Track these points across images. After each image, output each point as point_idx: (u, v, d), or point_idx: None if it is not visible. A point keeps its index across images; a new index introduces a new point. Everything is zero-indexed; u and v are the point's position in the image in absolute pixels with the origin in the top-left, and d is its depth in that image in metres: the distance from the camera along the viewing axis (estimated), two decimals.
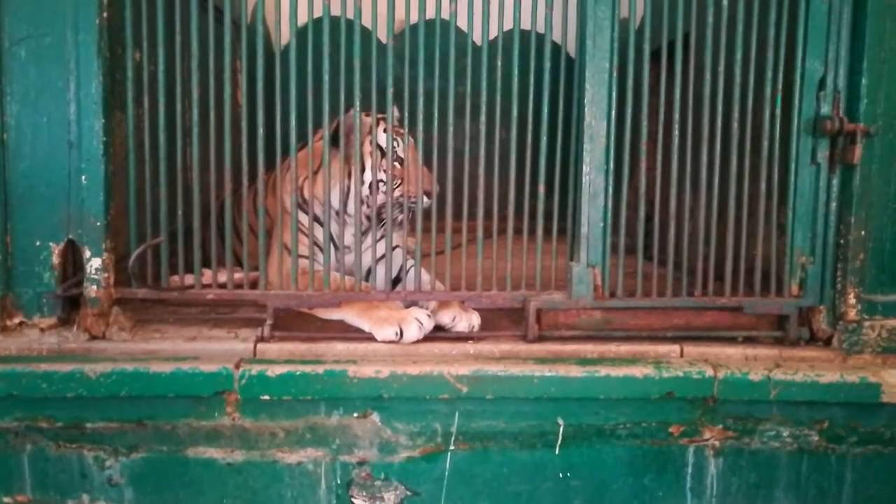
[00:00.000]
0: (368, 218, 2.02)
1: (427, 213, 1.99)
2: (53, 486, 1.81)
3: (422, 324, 1.86)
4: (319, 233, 2.16)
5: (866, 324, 1.91)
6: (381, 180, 2.18)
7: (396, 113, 2.25)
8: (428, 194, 2.13)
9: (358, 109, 1.88)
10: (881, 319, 1.91)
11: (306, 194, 2.17)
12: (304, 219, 2.14)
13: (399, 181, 2.17)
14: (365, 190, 2.09)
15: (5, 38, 1.76)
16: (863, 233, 1.88)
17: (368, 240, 2.20)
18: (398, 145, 2.19)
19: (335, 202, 2.15)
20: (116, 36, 1.83)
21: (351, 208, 2.09)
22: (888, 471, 1.88)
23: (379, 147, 2.20)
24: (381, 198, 2.16)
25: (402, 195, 2.16)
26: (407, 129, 1.96)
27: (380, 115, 2.18)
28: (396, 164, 2.19)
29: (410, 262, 2.27)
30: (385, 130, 2.14)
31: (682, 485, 1.88)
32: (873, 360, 1.90)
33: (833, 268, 1.92)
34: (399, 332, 1.85)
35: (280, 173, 2.16)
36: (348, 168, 2.09)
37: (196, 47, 1.82)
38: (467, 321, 1.94)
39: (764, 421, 1.85)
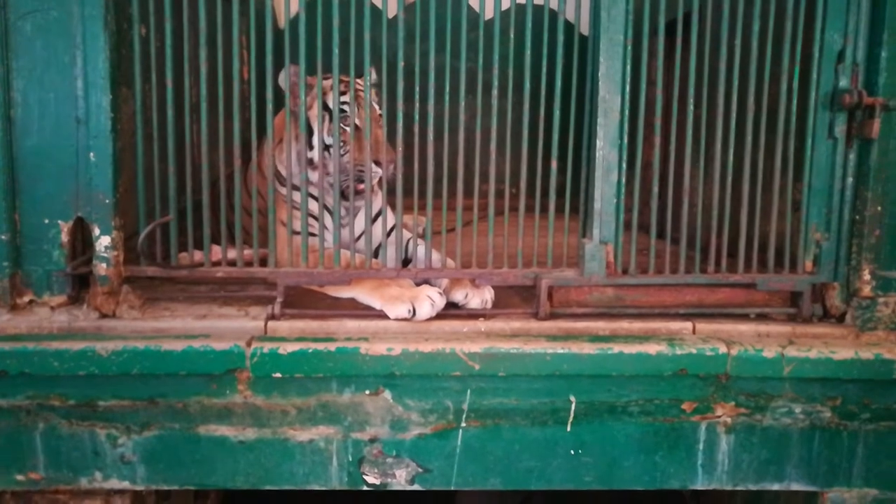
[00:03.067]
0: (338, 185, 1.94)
1: (407, 189, 1.94)
2: (66, 464, 1.81)
3: (434, 301, 1.85)
4: (315, 206, 2.12)
5: (881, 300, 1.89)
6: (330, 146, 2.10)
7: (374, 76, 2.18)
8: (378, 164, 2.05)
9: (303, 68, 1.81)
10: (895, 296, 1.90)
11: (278, 165, 2.13)
12: (296, 195, 2.10)
13: (348, 147, 2.09)
14: (316, 155, 2.02)
15: (10, 12, 1.73)
16: (879, 208, 1.86)
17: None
18: (350, 109, 2.06)
19: (292, 167, 2.09)
20: (122, 10, 1.81)
21: (312, 176, 2.01)
22: None
23: (329, 110, 2.13)
24: (331, 165, 2.09)
25: (351, 162, 2.08)
26: (386, 98, 1.89)
27: (329, 77, 2.07)
28: (348, 129, 2.11)
29: (414, 239, 2.24)
30: (342, 93, 2.05)
31: (694, 462, 1.88)
32: (887, 336, 1.89)
33: (848, 244, 1.90)
34: (412, 310, 1.84)
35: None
36: (296, 131, 2.00)
37: (203, 22, 1.79)
38: (480, 297, 1.92)
39: (776, 398, 1.84)
